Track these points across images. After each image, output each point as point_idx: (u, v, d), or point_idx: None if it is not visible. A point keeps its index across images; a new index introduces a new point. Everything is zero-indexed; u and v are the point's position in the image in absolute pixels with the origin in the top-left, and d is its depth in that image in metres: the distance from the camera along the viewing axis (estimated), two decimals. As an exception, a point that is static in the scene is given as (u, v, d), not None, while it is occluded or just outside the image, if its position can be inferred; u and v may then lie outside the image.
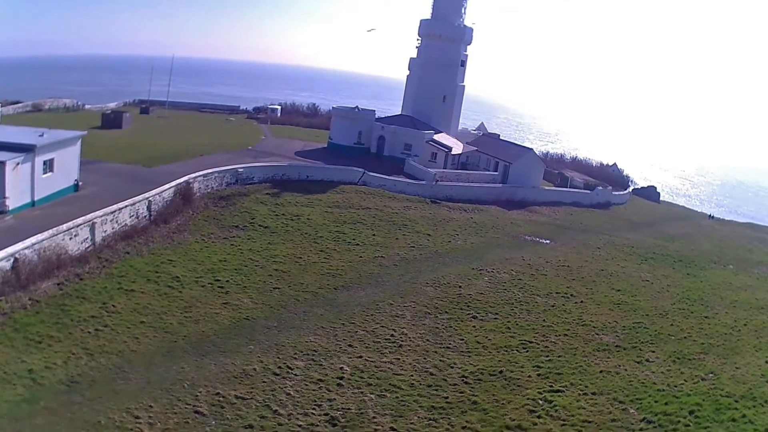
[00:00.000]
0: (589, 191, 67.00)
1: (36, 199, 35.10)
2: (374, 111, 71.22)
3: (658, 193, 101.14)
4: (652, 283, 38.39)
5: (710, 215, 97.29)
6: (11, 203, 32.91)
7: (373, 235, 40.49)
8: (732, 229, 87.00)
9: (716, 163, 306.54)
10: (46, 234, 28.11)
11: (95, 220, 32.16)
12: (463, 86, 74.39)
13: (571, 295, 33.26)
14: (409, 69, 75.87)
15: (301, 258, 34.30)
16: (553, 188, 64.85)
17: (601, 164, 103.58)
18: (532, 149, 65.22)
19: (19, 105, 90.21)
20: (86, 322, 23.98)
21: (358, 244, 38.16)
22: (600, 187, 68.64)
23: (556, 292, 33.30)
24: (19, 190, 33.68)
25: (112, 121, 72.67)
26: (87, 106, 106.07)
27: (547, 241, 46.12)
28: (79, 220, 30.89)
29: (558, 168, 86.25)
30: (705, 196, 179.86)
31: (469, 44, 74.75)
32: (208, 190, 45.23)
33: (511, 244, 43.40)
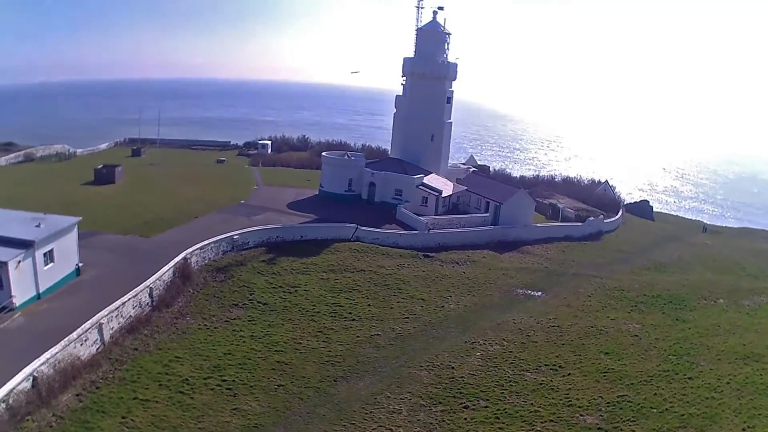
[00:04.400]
0: (580, 223, 68.21)
1: (41, 291, 36.46)
2: (363, 155, 72.46)
3: (651, 207, 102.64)
4: (641, 338, 39.57)
5: (704, 227, 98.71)
6: (17, 300, 34.37)
7: (369, 305, 41.77)
8: (726, 241, 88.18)
9: (715, 154, 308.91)
10: (58, 346, 29.23)
11: (102, 321, 33.09)
12: (450, 123, 75.58)
13: (560, 366, 34.48)
14: (395, 107, 77.11)
15: (300, 343, 35.55)
16: (545, 224, 66.10)
17: (593, 181, 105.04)
18: (521, 188, 66.48)
19: (11, 155, 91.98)
20: (109, 440, 25.10)
21: (354, 319, 39.44)
22: (591, 218, 69.83)
23: (545, 365, 34.54)
24: (24, 286, 35.04)
25: (104, 176, 74.25)
26: (78, 151, 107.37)
27: (539, 294, 47.36)
28: (87, 324, 31.85)
29: (549, 191, 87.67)
30: (704, 196, 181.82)
31: (454, 80, 75.95)
32: (206, 262, 46.46)
33: (503, 303, 44.66)
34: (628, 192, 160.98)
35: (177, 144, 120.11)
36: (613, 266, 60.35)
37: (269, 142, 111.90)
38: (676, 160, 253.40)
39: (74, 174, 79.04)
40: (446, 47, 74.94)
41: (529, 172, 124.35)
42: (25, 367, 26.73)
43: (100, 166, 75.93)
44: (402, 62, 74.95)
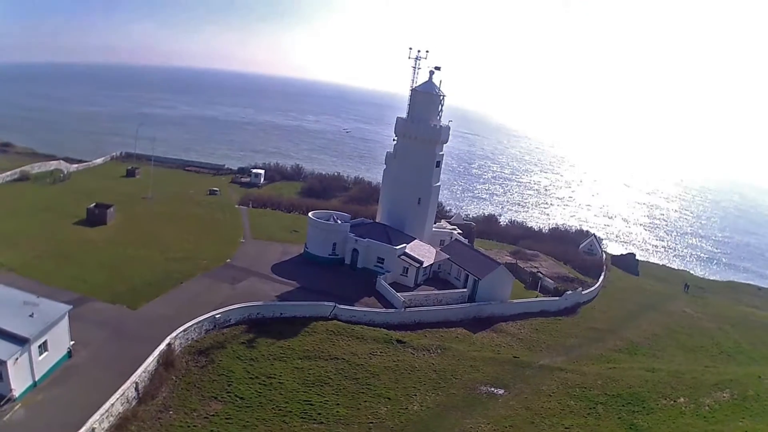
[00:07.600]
0: (557, 297, 70.01)
1: (37, 379, 38.77)
2: (349, 216, 74.16)
3: (637, 261, 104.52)
4: (588, 457, 41.50)
5: (686, 285, 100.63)
6: (16, 391, 36.70)
7: (337, 405, 43.71)
8: (705, 306, 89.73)
9: (716, 178, 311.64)
10: (59, 458, 31.17)
11: (94, 425, 34.77)
12: (438, 186, 77.20)
13: (505, 498, 36.44)
14: (385, 163, 78.77)
15: (270, 453, 37.59)
16: (521, 300, 67.72)
17: (581, 231, 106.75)
18: (501, 264, 68.01)
19: (7, 173, 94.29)
20: None
21: (322, 422, 41.40)
22: (569, 291, 71.59)
23: (490, 497, 36.51)
24: (22, 377, 37.35)
25: (96, 217, 75.87)
26: (73, 168, 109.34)
27: (501, 392, 49.20)
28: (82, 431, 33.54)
29: (533, 250, 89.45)
30: (702, 231, 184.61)
31: (446, 143, 77.48)
32: (188, 343, 48.28)
33: (465, 404, 46.53)
34: (625, 226, 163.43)
35: (171, 163, 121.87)
36: (584, 349, 62.22)
37: (262, 171, 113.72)
38: (677, 184, 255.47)
39: (67, 207, 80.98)
40: (440, 109, 76.47)
41: (520, 213, 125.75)
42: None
43: (92, 206, 77.50)
44: (395, 122, 76.60)
